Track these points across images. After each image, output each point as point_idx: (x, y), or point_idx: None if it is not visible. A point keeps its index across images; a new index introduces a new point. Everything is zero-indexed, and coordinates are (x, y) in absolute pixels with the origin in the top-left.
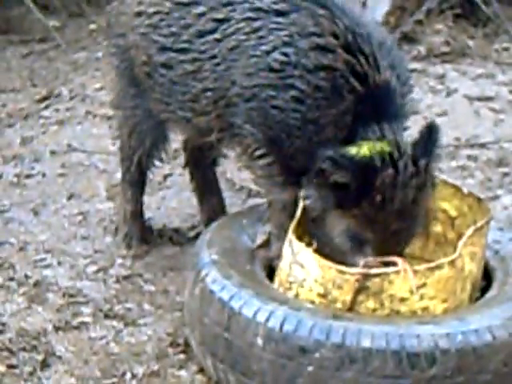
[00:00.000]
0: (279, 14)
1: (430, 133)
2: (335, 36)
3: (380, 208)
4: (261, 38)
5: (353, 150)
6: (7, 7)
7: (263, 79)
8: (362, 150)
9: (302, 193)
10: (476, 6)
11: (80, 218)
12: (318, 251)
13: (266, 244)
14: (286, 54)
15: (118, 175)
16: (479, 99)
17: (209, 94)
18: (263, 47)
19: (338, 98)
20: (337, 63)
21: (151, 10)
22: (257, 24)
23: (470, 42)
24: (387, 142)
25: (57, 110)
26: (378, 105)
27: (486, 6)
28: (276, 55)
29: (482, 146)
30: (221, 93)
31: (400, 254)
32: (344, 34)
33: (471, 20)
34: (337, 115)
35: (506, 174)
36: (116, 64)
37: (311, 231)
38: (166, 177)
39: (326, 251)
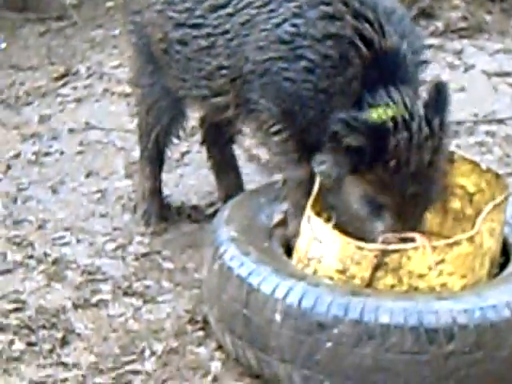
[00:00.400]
0: None
1: (439, 92)
2: (343, 3)
3: (396, 171)
4: (271, 11)
5: (366, 113)
6: None
7: (274, 52)
8: (374, 113)
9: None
10: None
11: (98, 195)
12: (336, 227)
13: (283, 222)
14: (295, 25)
15: (136, 153)
16: (497, 75)
17: (224, 71)
18: (274, 20)
19: (346, 64)
20: (344, 30)
21: None
22: None
23: (488, 17)
24: (399, 106)
25: (74, 88)
26: (386, 70)
27: None
28: (286, 27)
29: (500, 121)
30: (236, 71)
31: (420, 219)
32: (352, 1)
33: None
34: (345, 82)
35: None
36: (134, 41)
37: (328, 203)
38: (183, 154)
39: (344, 222)
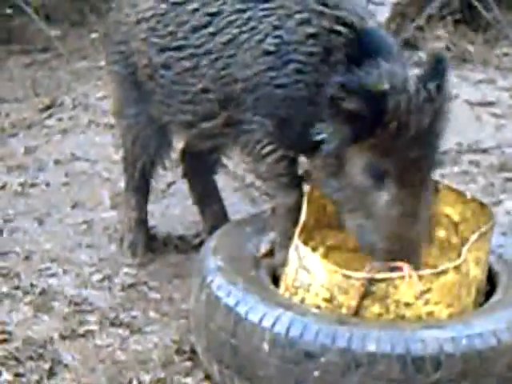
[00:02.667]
0: (266, 0)
1: (437, 61)
2: (321, 3)
3: (396, 134)
4: (252, 28)
5: (363, 77)
6: (8, 17)
7: (262, 65)
8: (371, 78)
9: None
10: (476, 12)
11: (84, 226)
12: (323, 256)
13: (270, 252)
14: (278, 36)
15: (122, 184)
16: (480, 104)
17: (210, 95)
18: (256, 37)
19: (329, 51)
20: (323, 24)
21: (148, 14)
22: (247, 15)
23: (471, 48)
24: (390, 77)
25: (60, 120)
26: (372, 47)
27: (486, 11)
28: (270, 40)
29: (484, 151)
30: (224, 94)
31: (423, 185)
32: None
33: (471, 25)
34: (330, 67)
35: (508, 179)
36: (118, 71)
37: (328, 189)
38: (169, 185)
39: (346, 205)
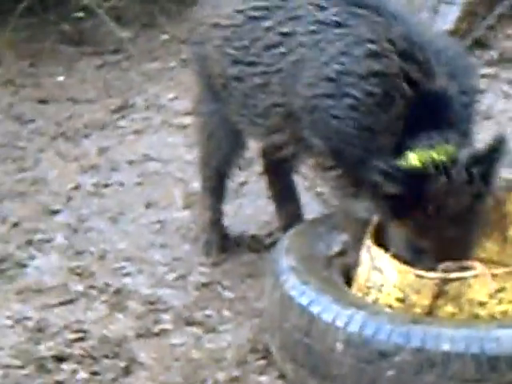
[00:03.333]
0: (338, 25)
1: (496, 144)
2: (390, 42)
3: (434, 216)
4: (321, 50)
5: (403, 160)
6: (80, 19)
7: (323, 89)
8: (412, 159)
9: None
10: None
11: (158, 226)
12: (395, 256)
13: (342, 252)
14: (342, 63)
15: (195, 184)
16: None
17: (278, 109)
18: (323, 58)
19: (390, 103)
20: (389, 69)
21: (225, 22)
22: (318, 37)
23: None
24: (440, 150)
25: (132, 120)
26: (431, 112)
27: None
28: (333, 65)
29: None
30: (289, 108)
31: (459, 254)
32: (399, 41)
33: None
34: (389, 121)
35: None
36: (195, 69)
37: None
38: (241, 184)
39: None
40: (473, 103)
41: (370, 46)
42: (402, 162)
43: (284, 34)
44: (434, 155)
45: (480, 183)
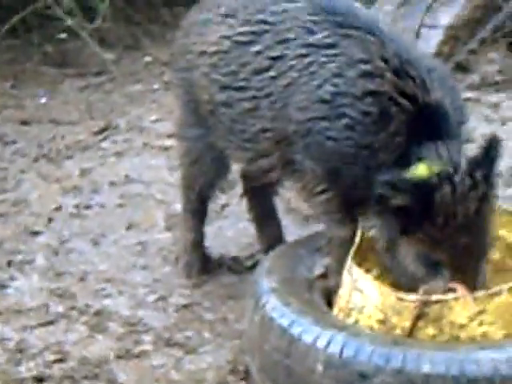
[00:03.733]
0: (330, 46)
1: (490, 146)
2: (384, 60)
3: (444, 225)
4: (312, 73)
5: (409, 172)
6: (63, 41)
7: (316, 112)
8: (418, 170)
9: (362, 222)
10: None
11: (139, 247)
12: (377, 278)
13: (324, 275)
14: (335, 85)
15: (176, 205)
16: None
17: (268, 134)
18: (315, 81)
19: (388, 120)
20: (384, 87)
21: (212, 49)
22: (308, 60)
23: None
24: (444, 160)
25: (114, 142)
26: (430, 124)
27: None
28: (327, 87)
29: None
30: (280, 133)
31: (477, 269)
32: (392, 59)
33: None
34: (388, 138)
35: None
36: (180, 95)
37: (384, 265)
38: (223, 207)
39: (403, 282)
40: (463, 121)
41: (362, 66)
42: (408, 174)
43: (273, 58)
44: (438, 165)
45: (484, 186)
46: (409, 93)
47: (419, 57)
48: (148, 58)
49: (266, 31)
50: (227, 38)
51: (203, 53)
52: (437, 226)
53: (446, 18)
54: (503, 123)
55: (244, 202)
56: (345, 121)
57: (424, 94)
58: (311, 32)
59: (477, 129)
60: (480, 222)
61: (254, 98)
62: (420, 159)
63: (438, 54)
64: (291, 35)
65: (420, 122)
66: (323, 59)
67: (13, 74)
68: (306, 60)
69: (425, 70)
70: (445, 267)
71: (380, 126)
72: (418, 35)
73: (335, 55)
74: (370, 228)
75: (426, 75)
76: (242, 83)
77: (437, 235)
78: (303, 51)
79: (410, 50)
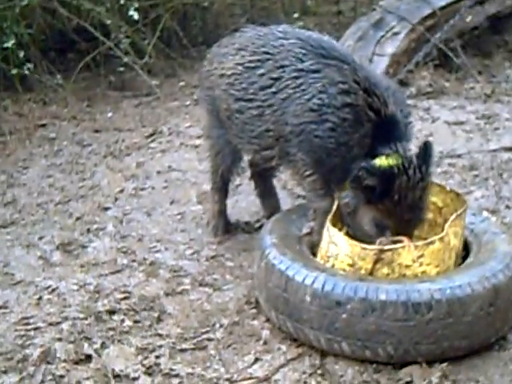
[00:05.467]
0: (315, 71)
1: (426, 148)
2: (356, 82)
3: (397, 203)
4: (303, 90)
5: (378, 162)
6: (122, 72)
7: (307, 118)
8: (383, 162)
9: (338, 195)
10: (449, 58)
11: (179, 216)
12: (347, 234)
13: (309, 233)
14: (321, 99)
15: (205, 186)
16: (455, 123)
17: (270, 133)
18: (305, 96)
19: (360, 125)
20: (357, 101)
21: (229, 72)
22: (300, 81)
23: (447, 84)
24: (398, 156)
25: (160, 143)
26: (388, 129)
27: (456, 58)
28: (315, 100)
29: (458, 156)
30: (279, 133)
31: (411, 234)
32: (363, 81)
33: (447, 68)
34: (360, 138)
35: (475, 176)
36: (207, 107)
37: (346, 222)
38: (237, 186)
39: (357, 235)
40: (410, 124)
41: (341, 86)
42: (378, 164)
43: (274, 79)
44: (396, 159)
45: (427, 179)
46: (374, 107)
47: (380, 79)
48: (182, 83)
49: (268, 59)
50: (240, 64)
51: (222, 75)
52: (392, 202)
53: (390, 48)
54: (433, 121)
55: (252, 183)
56: (328, 124)
57: (385, 108)
58: (301, 61)
59: (415, 126)
60: (421, 204)
61: (260, 107)
62: (382, 154)
63: (386, 74)
64: (287, 62)
65: (382, 128)
66: (311, 80)
67: (87, 96)
68: (298, 81)
69: (384, 89)
70: (390, 231)
71: (354, 129)
72: (371, 61)
73: (320, 78)
74: (344, 197)
75: (385, 93)
76: (251, 96)
77: (391, 209)
78: (296, 74)
79: (374, 74)
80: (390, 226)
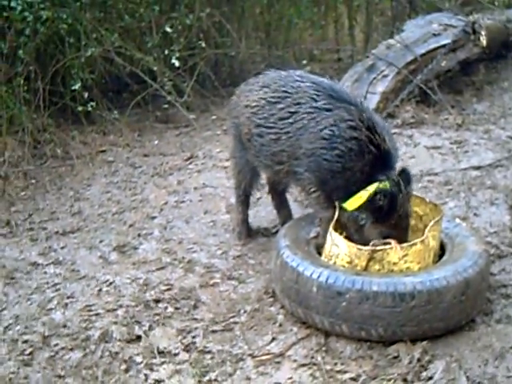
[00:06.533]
0: (327, 110)
1: (406, 173)
2: (361, 121)
3: (398, 218)
4: (317, 122)
5: (382, 187)
6: (166, 109)
7: (319, 144)
8: (383, 186)
9: (338, 204)
10: (428, 96)
11: (211, 224)
12: (346, 238)
13: (316, 237)
14: (332, 130)
15: (232, 199)
16: (432, 148)
17: (284, 153)
18: (319, 127)
19: (362, 156)
20: (362, 136)
21: (253, 104)
22: (314, 115)
23: (426, 116)
24: (392, 181)
25: (196, 165)
26: (384, 161)
27: (434, 95)
28: (327, 131)
29: (435, 174)
30: (292, 153)
31: (406, 237)
32: (366, 120)
33: (426, 103)
34: (361, 166)
35: (449, 190)
36: (233, 132)
37: (353, 237)
38: (258, 199)
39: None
40: (398, 156)
41: (349, 122)
42: (386, 188)
43: (291, 112)
44: (388, 183)
45: (410, 196)
46: (375, 142)
47: (379, 119)
48: (214, 117)
49: (287, 97)
50: (263, 99)
51: (247, 106)
52: (395, 217)
53: (381, 87)
54: (415, 146)
55: (269, 196)
56: (337, 151)
57: (383, 143)
58: (315, 100)
59: (400, 149)
60: (409, 214)
61: (277, 133)
62: (378, 180)
63: (377, 109)
64: (302, 101)
65: (379, 159)
66: (324, 116)
67: (138, 128)
68: (313, 115)
69: (383, 128)
70: (392, 238)
71: (357, 158)
72: (365, 98)
73: (331, 115)
74: (350, 218)
75: (384, 132)
76: (270, 124)
77: (393, 222)
78: (311, 110)
79: (374, 115)
80: (393, 235)
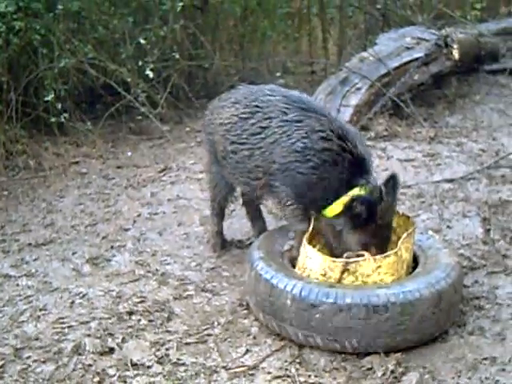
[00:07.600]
0: (298, 121)
1: (393, 179)
2: (332, 131)
3: (378, 226)
4: (288, 135)
5: (358, 192)
6: (139, 120)
7: (292, 157)
8: (361, 191)
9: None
10: (401, 109)
11: (185, 236)
12: (320, 250)
13: (290, 249)
14: (304, 143)
15: (206, 211)
16: (405, 160)
17: (259, 169)
18: (291, 140)
19: (336, 165)
20: (333, 146)
21: (226, 121)
22: (285, 129)
23: (399, 129)
24: (371, 187)
25: (170, 176)
26: (359, 166)
27: (406, 108)
28: (299, 143)
29: (408, 187)
30: (266, 168)
31: (386, 247)
32: (336, 130)
33: (399, 116)
34: (337, 174)
35: (422, 202)
36: (208, 148)
37: (330, 244)
38: (232, 211)
39: (335, 250)
40: (372, 160)
41: (320, 133)
42: (363, 195)
43: (263, 127)
44: (368, 189)
45: (395, 205)
46: (347, 149)
47: (348, 127)
48: (188, 128)
49: (258, 112)
50: (235, 115)
51: (221, 123)
52: (374, 225)
53: (354, 100)
54: (388, 159)
55: (244, 209)
56: (311, 164)
57: (355, 149)
58: (285, 113)
59: (374, 162)
60: (390, 224)
61: (250, 149)
62: (356, 185)
63: (350, 122)
64: (273, 115)
65: (354, 165)
66: (295, 128)
67: (112, 140)
68: (284, 129)
69: (354, 135)
70: (371, 246)
71: (331, 168)
72: (338, 111)
73: (302, 126)
74: (328, 225)
75: (355, 138)
76: (243, 140)
77: (372, 230)
78: (281, 124)
79: (344, 124)
80: (372, 243)
